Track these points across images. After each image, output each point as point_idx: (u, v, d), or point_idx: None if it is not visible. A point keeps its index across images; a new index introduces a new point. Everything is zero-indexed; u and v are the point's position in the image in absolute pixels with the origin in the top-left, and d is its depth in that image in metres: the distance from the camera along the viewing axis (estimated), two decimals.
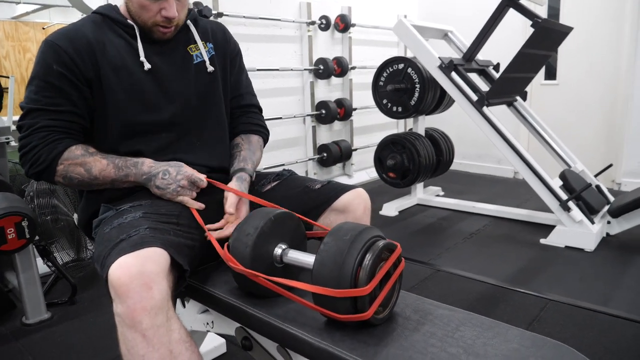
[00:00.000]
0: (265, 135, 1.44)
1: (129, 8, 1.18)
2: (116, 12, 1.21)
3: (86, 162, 1.12)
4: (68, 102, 1.12)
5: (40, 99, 1.11)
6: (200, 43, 1.29)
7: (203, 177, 1.17)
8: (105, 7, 1.23)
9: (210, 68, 1.29)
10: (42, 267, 2.10)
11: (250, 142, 1.37)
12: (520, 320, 1.90)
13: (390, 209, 3.43)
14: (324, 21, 3.87)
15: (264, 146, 1.44)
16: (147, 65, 1.17)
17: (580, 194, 2.74)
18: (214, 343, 1.72)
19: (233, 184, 1.21)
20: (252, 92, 1.46)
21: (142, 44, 1.19)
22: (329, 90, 4.13)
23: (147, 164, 1.15)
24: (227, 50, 1.36)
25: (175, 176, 1.14)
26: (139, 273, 0.87)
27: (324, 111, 3.89)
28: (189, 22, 1.28)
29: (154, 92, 1.19)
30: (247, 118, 1.41)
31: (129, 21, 1.19)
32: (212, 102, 1.30)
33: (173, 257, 0.97)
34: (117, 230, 1.02)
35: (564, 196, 2.70)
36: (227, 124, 1.36)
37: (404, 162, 3.19)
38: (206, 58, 1.29)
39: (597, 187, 3.07)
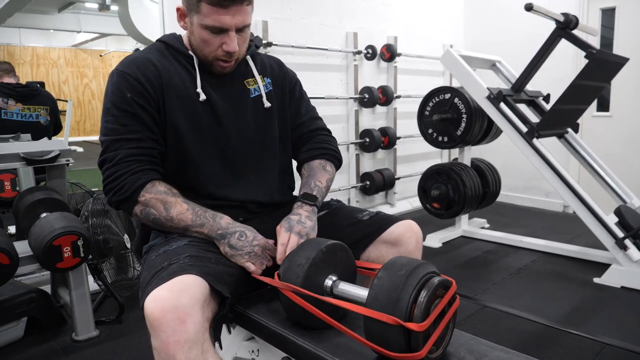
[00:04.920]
0: (328, 155, 1.36)
1: (191, 42, 1.20)
2: (179, 42, 1.23)
3: (167, 200, 1.11)
4: (145, 129, 1.13)
5: (118, 128, 1.11)
6: (258, 77, 1.28)
7: (272, 243, 1.12)
8: (170, 37, 1.25)
9: (267, 104, 1.28)
10: (91, 284, 2.17)
11: (311, 168, 1.33)
12: None
13: (434, 240, 3.36)
14: (370, 51, 3.91)
15: (337, 166, 1.38)
16: (202, 97, 1.18)
17: (639, 231, 2.59)
18: None
19: (283, 227, 1.14)
20: (315, 115, 1.43)
21: (201, 74, 1.20)
22: (374, 119, 4.14)
23: (225, 220, 1.12)
24: (285, 83, 1.36)
25: (252, 241, 1.09)
26: (173, 307, 0.87)
27: (367, 139, 3.89)
28: (247, 56, 1.28)
29: (210, 124, 1.20)
30: (310, 144, 1.38)
31: (190, 52, 1.21)
32: (267, 137, 1.29)
33: (212, 285, 0.96)
34: (161, 258, 1.04)
35: (620, 233, 2.57)
36: (283, 159, 1.35)
37: (449, 193, 3.13)
38: (263, 93, 1.28)
39: None
